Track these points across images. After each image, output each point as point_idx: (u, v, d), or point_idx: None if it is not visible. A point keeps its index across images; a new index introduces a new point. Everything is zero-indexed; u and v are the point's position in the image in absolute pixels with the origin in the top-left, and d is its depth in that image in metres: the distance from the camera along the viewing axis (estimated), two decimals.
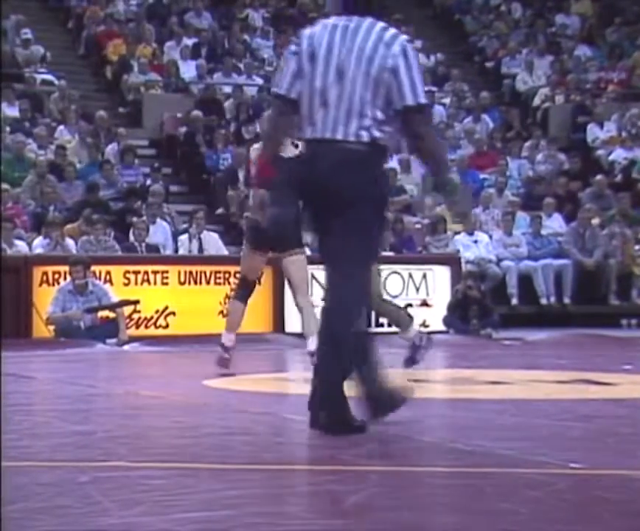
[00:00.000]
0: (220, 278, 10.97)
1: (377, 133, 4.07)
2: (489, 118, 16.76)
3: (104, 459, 3.64)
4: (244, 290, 7.17)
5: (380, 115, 4.07)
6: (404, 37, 4.30)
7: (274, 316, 11.06)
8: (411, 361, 7.18)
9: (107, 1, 17.41)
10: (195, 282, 10.85)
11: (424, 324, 11.59)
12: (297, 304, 7.22)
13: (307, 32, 4.22)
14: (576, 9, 19.97)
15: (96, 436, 4.25)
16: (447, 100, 17.23)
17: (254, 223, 6.51)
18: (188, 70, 16.38)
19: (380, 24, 4.28)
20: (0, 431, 3.87)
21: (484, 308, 11.10)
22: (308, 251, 12.18)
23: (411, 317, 7.46)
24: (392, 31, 4.28)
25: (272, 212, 4.29)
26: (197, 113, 14.95)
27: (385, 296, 7.53)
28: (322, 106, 4.09)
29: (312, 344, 6.50)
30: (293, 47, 4.22)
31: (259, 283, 7.49)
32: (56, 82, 15.44)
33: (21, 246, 11.27)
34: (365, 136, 4.06)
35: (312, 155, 4.10)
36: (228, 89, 16.34)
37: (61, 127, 14.28)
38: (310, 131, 4.12)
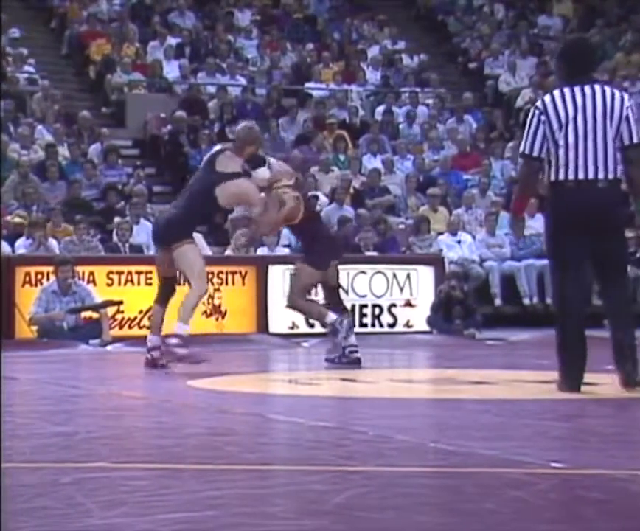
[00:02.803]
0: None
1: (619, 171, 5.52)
2: (473, 119, 16.80)
3: (86, 460, 3.63)
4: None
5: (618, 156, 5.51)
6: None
7: (258, 316, 11.05)
8: (331, 354, 7.40)
9: (90, 0, 17.35)
10: (179, 283, 10.81)
11: (408, 324, 11.62)
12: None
13: (548, 100, 5.50)
14: (558, 11, 20.05)
15: (78, 437, 4.24)
16: (430, 101, 17.27)
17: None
18: (171, 70, 16.35)
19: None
20: (0, 430, 3.85)
21: (467, 308, 11.13)
22: (286, 252, 12.25)
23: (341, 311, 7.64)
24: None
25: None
26: (180, 113, 14.92)
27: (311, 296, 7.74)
28: (585, 151, 5.41)
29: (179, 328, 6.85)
30: (537, 114, 5.47)
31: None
32: (39, 81, 15.38)
33: (3, 246, 11.22)
34: (619, 173, 5.48)
35: (590, 191, 5.40)
36: (212, 89, 16.32)
37: (40, 126, 14.22)
38: (582, 173, 5.41)
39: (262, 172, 7.46)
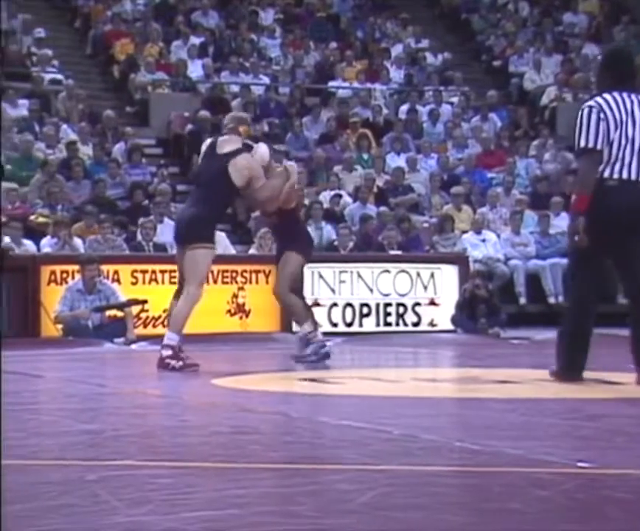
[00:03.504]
0: (227, 277, 10.97)
1: None
2: (497, 117, 16.73)
3: (112, 458, 3.64)
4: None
5: None
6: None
7: (282, 315, 11.06)
8: (297, 356, 7.40)
9: (114, 0, 17.43)
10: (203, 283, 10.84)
11: (432, 323, 11.60)
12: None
13: (601, 101, 5.68)
14: (584, 8, 19.93)
15: (104, 435, 4.26)
16: (454, 99, 17.22)
17: None
18: (195, 69, 16.39)
19: None
20: (0, 429, 3.87)
21: (492, 307, 11.09)
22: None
23: (313, 320, 7.60)
24: None
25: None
26: (204, 112, 14.96)
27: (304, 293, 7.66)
28: (632, 154, 5.63)
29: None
30: (596, 111, 5.63)
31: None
32: (64, 81, 15.46)
33: (28, 245, 11.29)
34: None
35: (633, 191, 5.58)
36: (235, 88, 16.34)
37: (65, 126, 14.30)
38: (627, 173, 5.62)
39: (263, 148, 7.45)
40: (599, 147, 5.59)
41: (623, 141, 5.60)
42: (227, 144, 7.16)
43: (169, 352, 6.94)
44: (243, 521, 2.73)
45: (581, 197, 5.73)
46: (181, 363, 6.91)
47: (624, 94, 5.68)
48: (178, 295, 7.33)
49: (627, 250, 5.67)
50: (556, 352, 5.96)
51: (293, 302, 7.51)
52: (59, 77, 15.66)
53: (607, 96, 5.69)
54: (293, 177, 7.34)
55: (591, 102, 5.70)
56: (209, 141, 7.39)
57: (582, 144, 5.63)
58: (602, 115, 5.62)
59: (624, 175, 5.59)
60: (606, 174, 5.60)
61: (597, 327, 5.97)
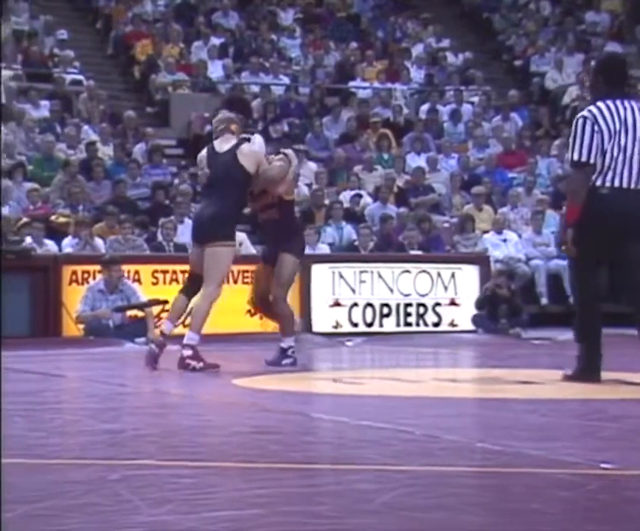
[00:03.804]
0: (247, 277, 10.98)
1: None
2: (518, 117, 16.68)
3: (133, 458, 3.65)
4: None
5: None
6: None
7: (301, 315, 11.06)
8: (273, 362, 7.23)
9: (134, 1, 17.49)
10: (223, 281, 10.85)
11: (452, 324, 11.57)
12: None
13: (596, 111, 5.75)
14: (606, 7, 19.83)
15: (125, 434, 4.27)
16: (475, 99, 17.17)
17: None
18: (215, 69, 16.42)
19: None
20: (0, 428, 3.89)
21: (514, 307, 11.05)
22: (327, 250, 12.21)
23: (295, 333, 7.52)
24: None
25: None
26: None
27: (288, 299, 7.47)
28: (623, 162, 5.74)
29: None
30: (590, 123, 5.72)
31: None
32: (85, 82, 15.53)
33: (50, 246, 11.34)
34: None
35: (624, 199, 5.71)
36: (255, 88, 16.36)
37: (86, 126, 14.36)
38: (618, 181, 5.74)
39: (259, 138, 7.45)
40: (592, 160, 5.75)
41: (616, 151, 5.72)
42: (225, 142, 7.18)
43: (190, 352, 6.94)
44: (264, 520, 2.73)
45: (572, 208, 5.90)
46: (201, 364, 6.91)
47: (618, 102, 5.77)
48: (185, 291, 7.30)
49: (621, 255, 5.81)
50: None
51: (287, 313, 7.29)
52: (80, 77, 15.73)
53: (601, 105, 5.77)
54: (294, 162, 7.32)
55: (585, 113, 5.78)
56: (205, 149, 7.37)
57: (576, 157, 5.75)
58: (596, 127, 5.72)
59: (616, 184, 5.73)
60: (599, 182, 5.76)
61: (618, 328, 5.98)
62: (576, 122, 5.76)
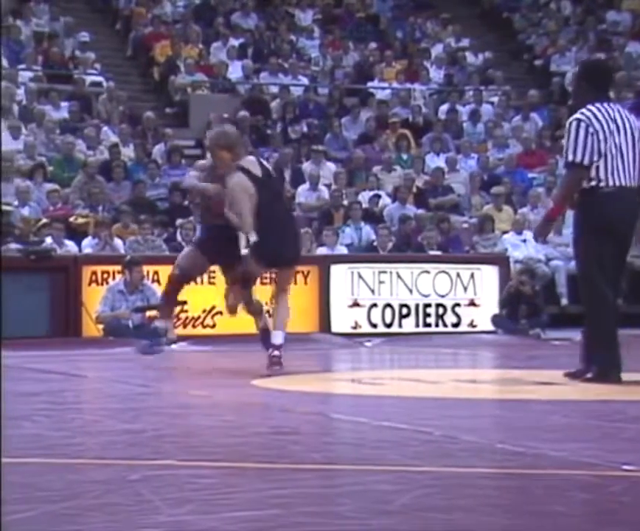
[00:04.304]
0: (266, 278, 10.99)
1: None
2: (538, 116, 16.61)
3: (153, 458, 3.66)
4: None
5: None
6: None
7: (320, 316, 11.06)
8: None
9: (154, 2, 17.54)
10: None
11: (472, 324, 11.53)
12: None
13: (589, 114, 5.87)
14: (628, 6, 19.73)
15: (145, 434, 4.28)
16: (494, 99, 17.12)
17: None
18: (234, 70, 16.45)
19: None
20: (0, 428, 3.91)
21: (535, 307, 11.01)
22: (345, 251, 12.19)
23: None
24: None
25: None
26: (243, 113, 15.00)
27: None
28: (622, 162, 5.90)
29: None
30: (584, 126, 5.84)
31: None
32: (104, 83, 15.59)
33: (70, 246, 11.40)
34: None
35: (628, 196, 5.86)
36: (274, 89, 16.38)
37: (105, 127, 14.42)
38: (622, 181, 5.87)
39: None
40: (586, 162, 5.87)
41: (613, 151, 5.91)
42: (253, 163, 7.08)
43: (278, 353, 6.99)
44: (285, 521, 2.73)
45: (558, 207, 6.16)
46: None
47: (606, 105, 5.98)
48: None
49: (626, 252, 5.99)
50: (582, 355, 6.02)
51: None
52: (100, 79, 15.79)
53: (592, 108, 5.91)
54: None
55: (579, 116, 5.89)
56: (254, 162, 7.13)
57: (571, 158, 5.86)
58: (590, 129, 5.86)
59: (617, 183, 5.91)
60: (602, 183, 5.88)
61: (628, 328, 6.00)
62: (570, 125, 5.88)
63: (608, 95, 6.19)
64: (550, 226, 6.35)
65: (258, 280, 7.56)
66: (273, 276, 7.79)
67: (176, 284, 7.38)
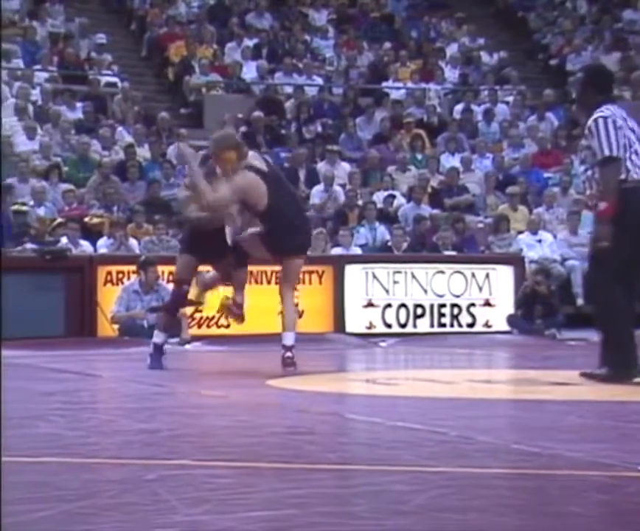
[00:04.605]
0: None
1: None
2: (554, 116, 16.56)
3: (169, 458, 3.67)
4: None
5: None
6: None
7: (335, 316, 11.06)
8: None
9: (169, 3, 17.58)
10: (256, 282, 10.89)
11: (487, 324, 11.51)
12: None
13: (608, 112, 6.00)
14: None
15: (161, 434, 4.29)
16: (510, 99, 17.08)
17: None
18: (249, 70, 16.46)
19: None
20: (0, 427, 3.92)
21: (550, 307, 10.97)
22: (359, 251, 12.19)
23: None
24: None
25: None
26: (258, 113, 15.02)
27: None
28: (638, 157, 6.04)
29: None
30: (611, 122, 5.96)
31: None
32: (119, 83, 15.64)
33: (85, 246, 11.43)
34: None
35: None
36: (289, 89, 16.38)
37: (120, 127, 14.46)
38: (636, 175, 5.96)
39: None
40: (621, 154, 5.95)
41: (635, 146, 6.00)
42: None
43: (291, 354, 7.00)
44: (301, 521, 2.73)
45: (611, 203, 6.01)
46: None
47: (615, 106, 6.16)
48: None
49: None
50: (601, 356, 5.99)
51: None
52: (114, 79, 15.84)
53: (610, 108, 6.05)
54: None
55: (603, 113, 5.99)
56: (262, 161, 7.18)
57: (607, 152, 5.92)
58: (617, 124, 5.97)
59: (635, 177, 5.98)
60: (623, 176, 5.95)
61: None
62: (596, 123, 5.94)
63: (613, 97, 6.37)
64: (608, 226, 6.08)
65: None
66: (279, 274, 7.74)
67: (182, 297, 7.42)
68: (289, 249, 7.06)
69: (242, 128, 15.16)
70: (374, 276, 11.35)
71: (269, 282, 10.89)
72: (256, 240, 7.02)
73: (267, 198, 6.83)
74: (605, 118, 5.96)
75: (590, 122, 6.02)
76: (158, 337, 7.31)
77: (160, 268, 10.50)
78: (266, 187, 6.86)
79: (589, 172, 6.11)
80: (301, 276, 11.02)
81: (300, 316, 10.95)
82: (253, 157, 7.03)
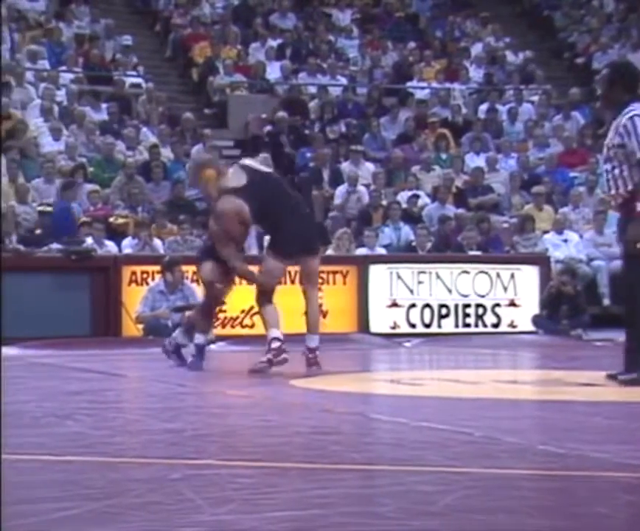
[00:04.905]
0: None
1: None
2: (580, 115, 16.46)
3: (194, 457, 3.67)
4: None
5: None
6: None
7: (359, 316, 11.04)
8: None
9: (193, 4, 17.62)
10: (280, 282, 10.88)
11: (512, 325, 11.45)
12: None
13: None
14: None
15: (186, 434, 4.29)
16: (535, 98, 16.99)
17: None
18: (273, 71, 16.48)
19: None
20: (0, 427, 3.93)
21: (576, 307, 10.90)
22: (383, 251, 12.16)
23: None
24: None
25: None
26: (282, 113, 15.03)
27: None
28: None
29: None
30: None
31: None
32: (144, 84, 15.69)
33: (110, 246, 11.48)
34: None
35: None
36: (312, 89, 16.38)
37: (145, 128, 14.51)
38: None
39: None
40: None
41: None
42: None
43: (314, 355, 6.98)
44: (326, 521, 2.72)
45: None
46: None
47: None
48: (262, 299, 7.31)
49: None
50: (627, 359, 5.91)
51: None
52: (139, 80, 15.90)
53: (638, 105, 5.98)
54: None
55: (637, 111, 5.92)
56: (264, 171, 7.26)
57: None
58: None
59: None
60: None
61: None
62: (634, 121, 5.85)
63: (638, 96, 6.26)
64: None
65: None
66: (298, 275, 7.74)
67: (216, 297, 7.42)
68: (298, 251, 7.06)
69: (267, 128, 15.19)
70: (399, 276, 11.32)
71: (293, 282, 10.87)
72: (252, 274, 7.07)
73: (250, 209, 6.83)
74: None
75: (624, 120, 5.92)
76: (199, 338, 7.30)
77: (184, 268, 10.52)
78: (246, 199, 6.83)
79: (616, 171, 6.00)
80: (325, 276, 11.06)
81: (324, 316, 10.96)
82: (250, 160, 7.11)
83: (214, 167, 7.02)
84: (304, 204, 7.40)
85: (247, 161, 7.40)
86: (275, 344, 6.92)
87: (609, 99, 6.39)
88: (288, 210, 6.98)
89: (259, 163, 7.32)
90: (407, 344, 10.21)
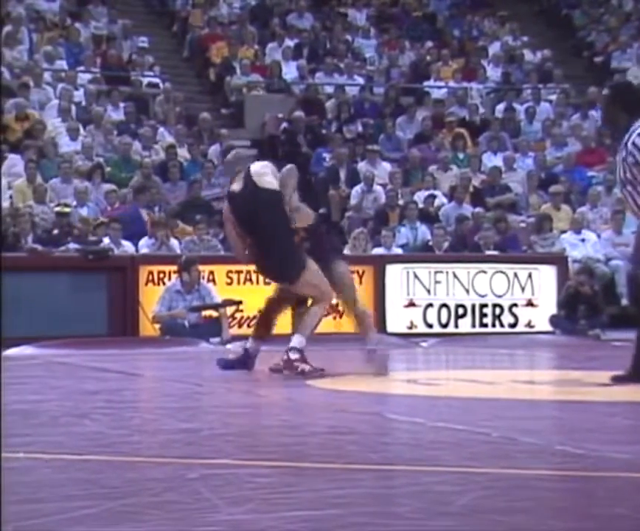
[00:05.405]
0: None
1: None
2: (598, 114, 16.38)
3: (211, 457, 3.67)
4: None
5: None
6: None
7: (376, 316, 11.01)
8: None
9: (210, 4, 17.65)
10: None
11: (529, 325, 11.42)
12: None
13: None
14: None
15: (202, 433, 4.30)
16: (552, 97, 16.93)
17: None
18: (290, 71, 16.48)
19: None
20: (0, 427, 3.94)
21: (595, 307, 10.85)
22: (400, 251, 12.12)
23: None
24: None
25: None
26: (298, 113, 15.02)
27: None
28: None
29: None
30: None
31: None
32: (161, 84, 15.73)
33: (127, 246, 11.51)
34: None
35: None
36: (329, 89, 16.38)
37: (162, 128, 14.53)
38: None
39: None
40: None
41: None
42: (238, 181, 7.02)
43: (297, 356, 6.86)
44: (344, 521, 2.71)
45: None
46: (308, 366, 6.73)
47: None
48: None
49: None
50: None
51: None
52: (156, 80, 15.93)
53: None
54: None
55: None
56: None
57: None
58: None
59: None
60: None
61: None
62: None
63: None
64: None
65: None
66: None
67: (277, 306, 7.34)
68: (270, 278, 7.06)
69: (284, 127, 15.19)
70: (416, 276, 11.30)
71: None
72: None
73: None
74: None
75: (634, 137, 5.88)
76: (251, 344, 7.18)
77: (201, 268, 10.54)
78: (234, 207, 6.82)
79: (639, 188, 6.00)
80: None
81: (341, 316, 10.95)
82: (262, 167, 7.07)
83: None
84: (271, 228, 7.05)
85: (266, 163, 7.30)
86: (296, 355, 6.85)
87: (609, 120, 6.40)
88: (258, 234, 6.82)
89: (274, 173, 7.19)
90: (424, 344, 10.19)
